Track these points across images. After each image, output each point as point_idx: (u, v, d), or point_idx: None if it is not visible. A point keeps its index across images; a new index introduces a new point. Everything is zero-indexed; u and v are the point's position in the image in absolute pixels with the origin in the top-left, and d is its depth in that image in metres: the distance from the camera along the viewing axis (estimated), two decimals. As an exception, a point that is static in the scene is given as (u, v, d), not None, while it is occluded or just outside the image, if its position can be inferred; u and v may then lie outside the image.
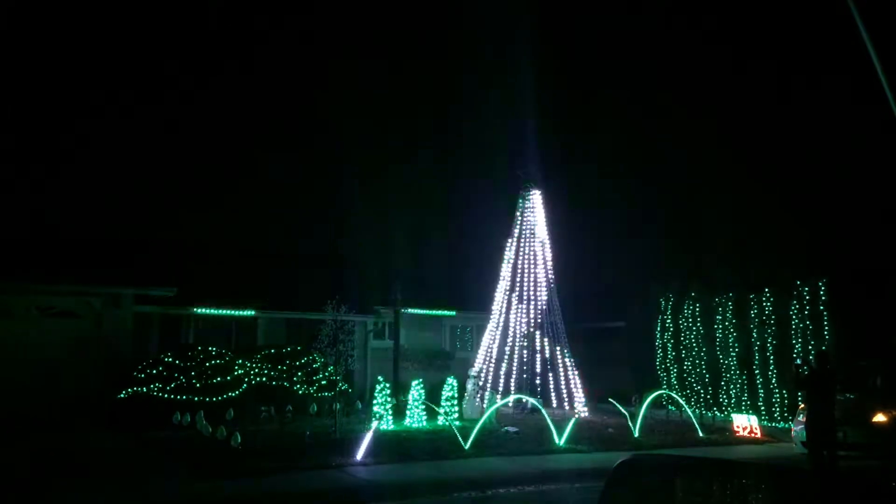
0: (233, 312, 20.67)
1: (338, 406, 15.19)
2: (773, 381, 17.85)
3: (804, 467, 10.97)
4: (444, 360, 23.51)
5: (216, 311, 20.34)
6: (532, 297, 20.15)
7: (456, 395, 16.96)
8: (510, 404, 18.21)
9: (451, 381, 17.02)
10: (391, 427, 15.50)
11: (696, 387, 20.16)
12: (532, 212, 20.77)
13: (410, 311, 22.71)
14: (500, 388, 19.33)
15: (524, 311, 20.12)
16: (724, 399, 19.31)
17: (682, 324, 20.75)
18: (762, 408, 17.98)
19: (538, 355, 19.64)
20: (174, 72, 48.05)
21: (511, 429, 15.45)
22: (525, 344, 19.73)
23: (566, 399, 19.30)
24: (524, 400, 17.85)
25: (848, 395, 13.04)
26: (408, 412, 16.34)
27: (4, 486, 9.52)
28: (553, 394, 19.30)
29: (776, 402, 17.79)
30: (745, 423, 16.14)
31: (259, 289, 21.35)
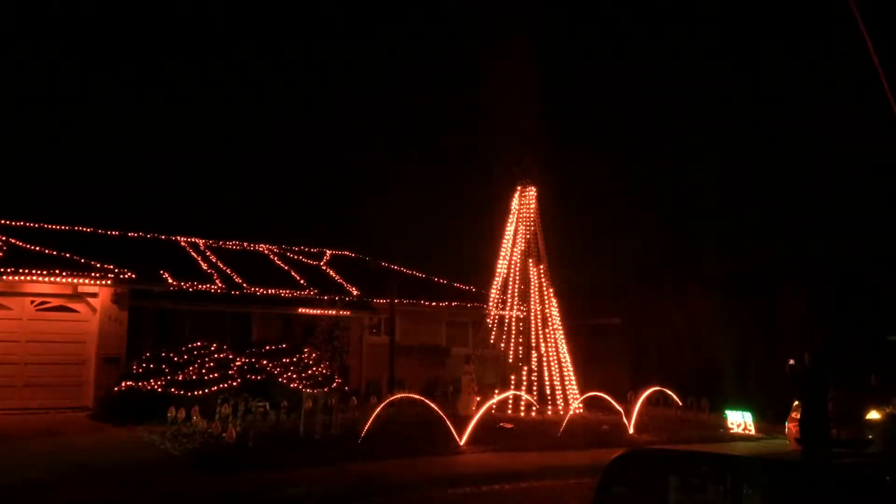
0: (228, 308, 20.62)
1: (333, 402, 15.18)
2: (768, 377, 17.90)
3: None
4: (440, 355, 23.52)
5: (212, 307, 20.29)
6: (527, 293, 20.15)
7: (451, 391, 16.97)
8: (507, 400, 18.23)
9: (447, 376, 17.03)
10: (387, 422, 15.50)
11: (691, 383, 20.19)
12: (527, 208, 20.78)
13: (406, 306, 22.71)
14: (496, 385, 19.33)
15: (519, 306, 20.13)
16: (718, 395, 19.35)
17: (677, 320, 20.81)
18: (756, 404, 18.02)
19: (534, 352, 19.66)
20: (173, 69, 47.94)
21: (506, 425, 15.48)
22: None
23: (561, 395, 19.32)
24: (520, 396, 17.88)
25: (842, 393, 13.09)
26: (403, 408, 16.35)
27: (2, 486, 9.50)
28: (548, 390, 19.32)
29: (771, 399, 17.84)
30: (739, 420, 16.20)
31: (255, 283, 21.32)
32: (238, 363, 17.15)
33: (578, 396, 19.47)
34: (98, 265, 17.47)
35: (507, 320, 20.16)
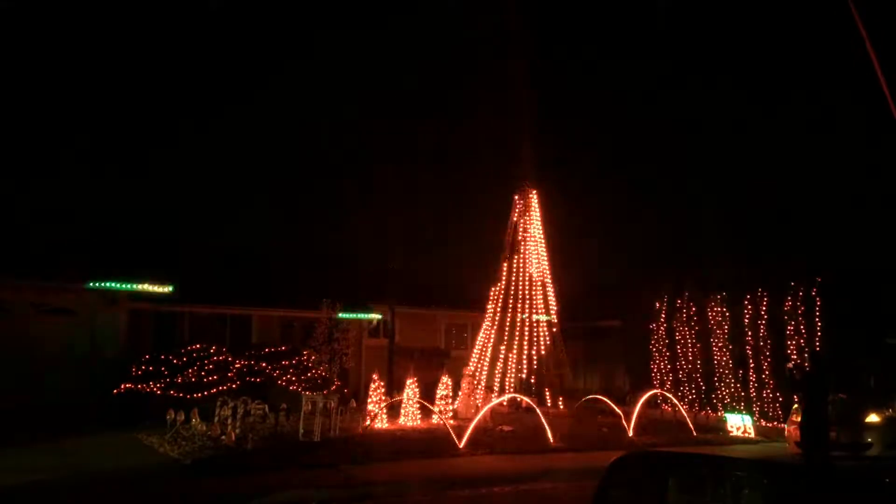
0: (227, 310, 20.61)
1: (332, 404, 15.17)
2: (767, 380, 17.90)
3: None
4: (440, 358, 23.49)
5: (211, 309, 20.28)
6: (527, 297, 20.15)
7: (451, 394, 16.97)
8: (505, 403, 18.23)
9: (446, 379, 17.02)
10: (386, 425, 15.50)
11: (691, 386, 20.20)
12: (528, 211, 20.78)
13: (406, 309, 22.70)
14: (496, 387, 19.34)
15: (519, 309, 20.13)
16: (718, 399, 19.35)
17: (677, 323, 20.80)
18: (756, 408, 18.02)
19: (533, 354, 19.66)
20: (172, 69, 47.94)
21: (506, 428, 15.46)
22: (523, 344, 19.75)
23: (561, 398, 19.32)
24: (519, 399, 17.87)
25: (841, 396, 13.09)
26: (402, 410, 16.34)
27: (3, 489, 9.48)
28: (548, 393, 19.31)
29: (770, 402, 17.84)
30: (738, 423, 16.19)
31: (254, 286, 21.30)
32: (237, 366, 17.15)
33: (578, 399, 19.47)
34: (97, 267, 17.45)
35: (507, 323, 20.16)
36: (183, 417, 13.85)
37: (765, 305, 18.24)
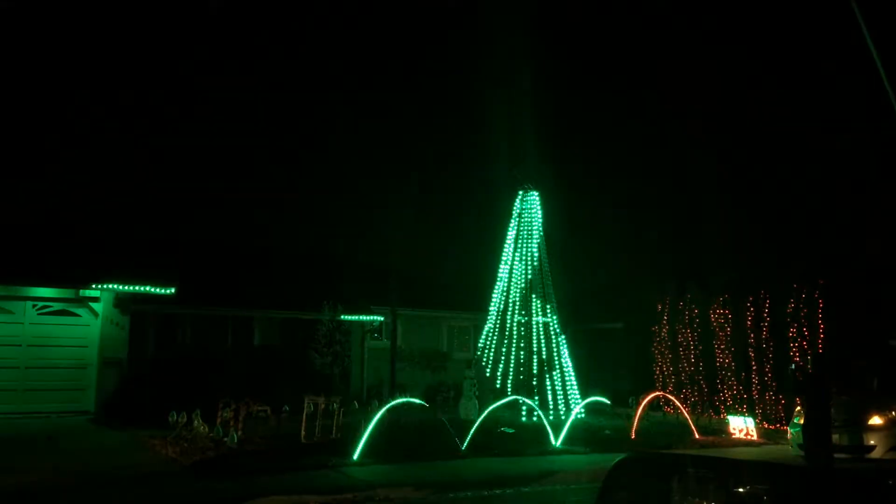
0: (229, 312, 20.62)
1: (334, 406, 15.17)
2: (770, 383, 17.88)
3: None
4: (441, 360, 23.50)
5: (213, 311, 20.29)
6: (528, 298, 20.13)
7: (452, 396, 16.95)
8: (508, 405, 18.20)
9: (448, 381, 17.01)
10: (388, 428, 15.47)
11: (693, 388, 20.18)
12: (529, 212, 20.75)
13: (407, 311, 22.70)
14: (498, 389, 19.31)
15: (521, 311, 20.10)
16: (720, 401, 19.32)
17: (679, 325, 20.79)
18: (759, 410, 17.99)
19: (535, 356, 19.63)
20: (175, 70, 48.02)
21: (508, 430, 15.44)
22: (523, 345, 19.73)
23: (563, 400, 19.29)
24: (521, 401, 17.84)
25: (843, 398, 13.05)
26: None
27: (3, 490, 9.49)
28: (550, 395, 19.28)
29: (772, 405, 17.81)
30: (741, 425, 16.16)
31: (256, 288, 21.31)
32: (239, 367, 17.16)
33: (580, 401, 19.44)
34: (100, 269, 17.47)
35: (508, 325, 20.13)
36: (185, 419, 13.86)
37: (767, 307, 18.22)
